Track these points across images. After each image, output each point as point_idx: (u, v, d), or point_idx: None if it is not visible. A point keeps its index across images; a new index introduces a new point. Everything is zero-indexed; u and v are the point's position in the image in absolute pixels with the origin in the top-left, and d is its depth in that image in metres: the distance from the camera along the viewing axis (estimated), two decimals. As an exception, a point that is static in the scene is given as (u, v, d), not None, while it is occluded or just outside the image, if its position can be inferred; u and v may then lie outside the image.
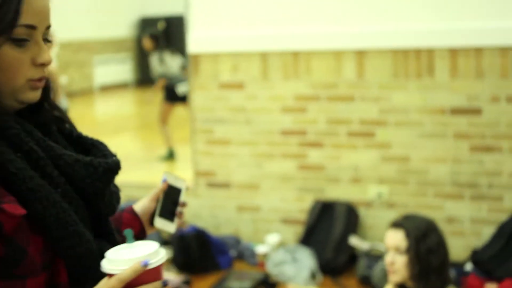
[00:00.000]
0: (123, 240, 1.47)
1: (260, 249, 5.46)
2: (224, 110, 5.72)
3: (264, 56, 5.59)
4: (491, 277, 4.71)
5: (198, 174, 5.81)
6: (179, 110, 9.21)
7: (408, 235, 3.21)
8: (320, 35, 5.43)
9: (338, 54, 5.39)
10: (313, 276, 5.03)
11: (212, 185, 5.76)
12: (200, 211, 5.80)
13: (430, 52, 5.16)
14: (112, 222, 1.57)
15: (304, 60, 5.48)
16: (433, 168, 5.19)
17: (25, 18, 1.38)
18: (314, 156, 5.48)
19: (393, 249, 3.22)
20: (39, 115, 1.49)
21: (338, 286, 4.95)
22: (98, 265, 1.40)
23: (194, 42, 5.75)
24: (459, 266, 4.92)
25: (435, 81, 5.16)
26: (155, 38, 8.96)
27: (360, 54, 5.33)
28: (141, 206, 1.86)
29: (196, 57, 5.77)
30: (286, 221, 5.62)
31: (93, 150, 1.52)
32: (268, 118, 5.59)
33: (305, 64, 5.48)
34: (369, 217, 5.36)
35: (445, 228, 5.02)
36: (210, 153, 5.76)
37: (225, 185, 5.75)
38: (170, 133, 8.60)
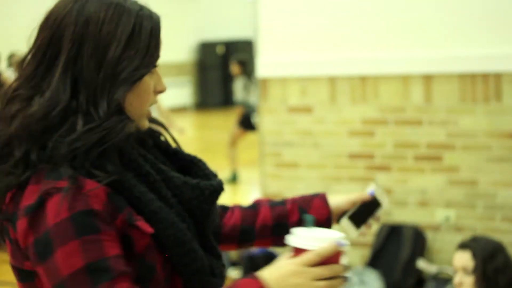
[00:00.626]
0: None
1: (328, 271, 5.51)
2: (292, 133, 5.81)
3: (332, 81, 5.68)
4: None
5: (267, 196, 5.92)
6: (247, 134, 9.37)
7: (475, 255, 3.26)
8: (387, 60, 5.50)
9: (405, 79, 5.46)
10: (380, 298, 5.08)
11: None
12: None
13: (497, 77, 5.19)
14: (301, 201, 1.72)
15: (372, 84, 5.55)
16: (501, 192, 5.20)
17: (159, 46, 1.52)
18: (382, 179, 5.53)
19: (461, 269, 3.27)
20: (138, 132, 1.56)
21: (406, 309, 4.99)
22: (210, 279, 1.51)
23: (263, 66, 5.88)
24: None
25: (502, 105, 5.18)
26: (242, 63, 9.19)
27: (428, 79, 5.39)
28: (336, 201, 1.99)
29: (265, 81, 5.89)
30: (354, 244, 5.68)
31: (193, 168, 1.61)
32: (335, 141, 5.67)
33: (372, 88, 5.55)
34: (436, 241, 5.37)
35: (514, 252, 5.04)
36: (278, 176, 5.85)
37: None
38: (237, 157, 8.74)
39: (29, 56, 1.48)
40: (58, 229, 1.35)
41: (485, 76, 5.22)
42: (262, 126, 5.92)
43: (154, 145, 1.62)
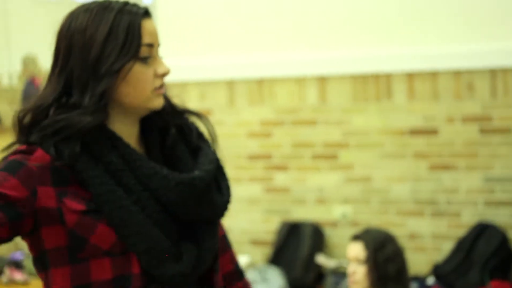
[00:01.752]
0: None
1: (231, 270, 5.63)
2: (193, 136, 5.90)
3: (230, 84, 5.81)
4: (452, 289, 4.95)
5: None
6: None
7: (366, 246, 3.42)
8: (282, 62, 5.66)
9: (300, 80, 5.63)
10: (282, 294, 5.22)
11: (182, 209, 5.95)
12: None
13: (388, 77, 5.41)
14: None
15: (268, 87, 5.71)
16: (394, 187, 5.42)
17: (145, 39, 1.68)
18: (280, 179, 5.69)
19: (354, 260, 3.43)
20: (158, 120, 1.77)
21: (306, 303, 5.15)
22: (165, 263, 1.65)
23: (162, 71, 5.95)
24: (421, 280, 5.15)
25: (393, 104, 5.40)
26: None
27: (322, 80, 5.57)
28: None
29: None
30: (255, 242, 5.82)
31: (199, 162, 1.78)
32: (235, 143, 5.79)
33: (269, 90, 5.71)
34: (334, 236, 5.56)
35: (407, 244, 5.26)
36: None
37: (195, 209, 5.94)
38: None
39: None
40: (2, 161, 1.67)
41: (376, 77, 5.44)
42: (163, 130, 6.00)
43: (179, 133, 1.81)
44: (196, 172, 1.72)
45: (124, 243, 1.62)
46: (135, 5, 1.72)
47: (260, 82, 5.72)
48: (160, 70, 1.71)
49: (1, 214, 1.55)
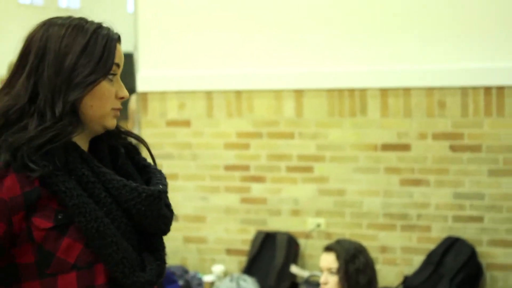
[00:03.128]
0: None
1: (207, 278, 5.75)
2: (171, 146, 6.03)
3: (209, 95, 5.93)
4: (420, 301, 5.10)
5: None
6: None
7: (338, 257, 3.56)
8: (261, 76, 5.79)
9: (278, 93, 5.76)
10: (256, 302, 5.35)
11: (159, 217, 6.04)
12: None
13: (362, 92, 5.56)
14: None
15: (247, 99, 5.84)
16: (367, 201, 5.57)
17: (116, 58, 1.79)
18: (256, 189, 5.83)
19: (326, 270, 3.58)
20: (110, 140, 1.88)
21: (279, 312, 5.27)
22: (134, 272, 1.75)
23: (143, 81, 6.07)
24: (392, 292, 5.31)
25: (367, 119, 5.55)
26: None
27: (299, 94, 5.71)
28: None
29: (145, 95, 6.08)
30: (231, 251, 5.94)
31: (153, 178, 1.90)
32: (212, 153, 5.92)
33: (247, 102, 5.84)
34: (308, 247, 5.69)
35: (378, 256, 5.43)
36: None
37: (172, 218, 6.04)
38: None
39: (12, 68, 1.80)
40: None
41: (351, 92, 5.59)
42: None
43: (127, 154, 1.92)
44: (160, 186, 1.87)
45: (91, 255, 1.73)
46: (109, 28, 1.84)
47: (238, 94, 5.85)
48: (121, 93, 1.83)
49: None
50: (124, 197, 1.77)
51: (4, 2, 10.61)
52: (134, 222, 1.81)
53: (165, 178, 1.94)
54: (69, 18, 1.81)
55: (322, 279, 3.58)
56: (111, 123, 1.82)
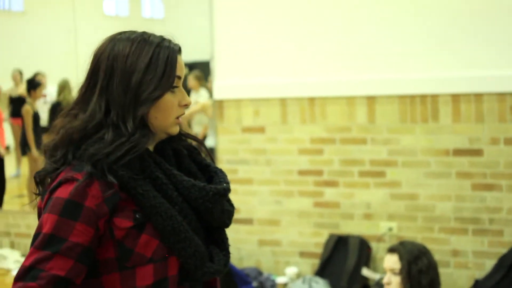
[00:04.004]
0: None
1: (280, 280, 5.89)
2: (247, 152, 6.20)
3: (283, 102, 6.08)
4: (492, 305, 5.12)
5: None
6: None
7: (401, 258, 3.64)
8: (334, 83, 5.91)
9: (350, 100, 5.87)
10: (328, 304, 5.46)
11: (236, 221, 6.21)
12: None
13: (434, 98, 5.61)
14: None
15: (320, 106, 5.96)
16: (439, 205, 5.62)
17: (177, 71, 1.95)
18: (329, 194, 5.94)
19: (389, 270, 3.66)
20: (173, 143, 2.06)
21: (351, 314, 5.37)
22: (205, 263, 1.92)
23: (219, 88, 6.26)
24: (462, 294, 5.34)
25: (439, 125, 5.60)
26: (199, 78, 9.52)
27: (371, 100, 5.80)
28: None
29: (221, 103, 6.27)
30: (304, 254, 6.07)
31: (215, 177, 2.06)
32: (286, 159, 6.06)
33: (320, 109, 5.96)
34: (380, 251, 5.77)
35: (450, 260, 5.47)
36: (234, 191, 6.20)
37: (248, 221, 6.22)
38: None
39: (81, 85, 1.98)
40: (55, 201, 1.82)
41: (423, 98, 5.65)
42: (219, 145, 6.30)
43: (189, 155, 2.10)
44: (224, 184, 2.02)
45: (165, 249, 1.90)
46: (170, 40, 1.99)
47: (312, 101, 5.98)
48: (184, 101, 1.98)
49: (81, 265, 1.82)
50: (194, 196, 1.93)
51: (90, 13, 10.93)
52: (202, 218, 1.98)
53: (226, 176, 2.10)
54: (134, 33, 1.96)
55: (385, 280, 3.67)
56: (175, 130, 1.99)
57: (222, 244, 2.05)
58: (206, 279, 1.97)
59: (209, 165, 2.11)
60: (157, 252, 1.89)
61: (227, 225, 2.08)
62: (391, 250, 3.74)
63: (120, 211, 1.86)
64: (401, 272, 3.61)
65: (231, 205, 2.10)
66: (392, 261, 3.68)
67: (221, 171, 2.10)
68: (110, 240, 1.86)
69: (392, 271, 3.65)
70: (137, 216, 1.87)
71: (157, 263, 1.89)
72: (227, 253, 2.04)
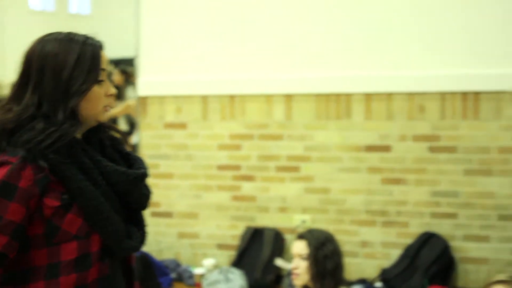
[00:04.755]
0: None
1: (198, 271, 6.08)
2: (168, 147, 6.37)
3: (204, 99, 6.27)
4: (396, 292, 5.42)
5: (144, 204, 6.40)
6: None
7: (309, 244, 3.86)
8: (253, 81, 6.13)
9: (269, 98, 6.10)
10: (243, 293, 5.66)
11: (156, 214, 6.39)
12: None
13: (348, 97, 5.89)
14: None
15: (239, 103, 6.17)
16: (350, 198, 5.89)
17: (102, 65, 2.17)
18: (247, 188, 6.16)
19: (297, 256, 3.88)
20: (98, 133, 2.26)
21: (265, 302, 5.59)
22: (124, 240, 2.13)
23: (143, 85, 6.42)
24: (369, 283, 5.61)
25: (352, 122, 5.88)
26: (125, 73, 9.59)
27: (288, 98, 6.04)
28: None
29: (145, 99, 6.43)
30: (221, 246, 6.27)
31: (135, 164, 2.27)
32: (206, 154, 6.26)
33: (240, 106, 6.17)
34: (293, 242, 5.99)
35: (359, 251, 5.74)
36: (155, 185, 6.36)
37: (168, 214, 6.39)
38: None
39: (15, 82, 2.17)
40: None
41: (337, 96, 5.91)
42: (141, 140, 6.46)
43: (111, 145, 2.30)
44: (143, 170, 2.24)
45: (89, 227, 2.09)
46: (94, 38, 2.21)
47: (232, 98, 6.19)
48: (110, 92, 2.20)
49: (15, 242, 2.01)
50: (116, 179, 2.14)
51: (16, 8, 10.91)
52: (122, 200, 2.18)
53: (144, 163, 2.31)
54: (60, 34, 2.18)
55: (293, 265, 3.88)
56: (104, 117, 2.20)
57: (140, 224, 2.27)
58: (125, 254, 2.20)
59: (129, 153, 2.32)
60: (81, 229, 2.08)
61: (145, 208, 2.29)
62: (300, 236, 3.96)
63: (50, 192, 2.04)
64: (308, 257, 3.82)
65: (148, 190, 2.31)
66: (300, 247, 3.89)
67: (140, 158, 2.32)
68: (40, 218, 2.04)
69: (300, 256, 3.85)
70: (64, 197, 2.05)
71: (80, 240, 2.08)
72: (143, 232, 2.26)
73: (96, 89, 2.14)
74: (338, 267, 3.87)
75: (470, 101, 5.63)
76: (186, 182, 6.33)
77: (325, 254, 3.87)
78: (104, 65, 2.18)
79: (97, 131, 2.25)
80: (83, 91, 2.10)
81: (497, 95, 5.57)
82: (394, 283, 5.50)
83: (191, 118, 6.32)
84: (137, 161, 2.29)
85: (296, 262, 3.89)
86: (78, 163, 2.09)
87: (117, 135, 2.36)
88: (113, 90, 2.21)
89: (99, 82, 2.14)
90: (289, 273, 5.58)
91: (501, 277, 2.75)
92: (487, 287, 2.77)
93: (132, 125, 8.98)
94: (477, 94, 5.63)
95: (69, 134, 2.06)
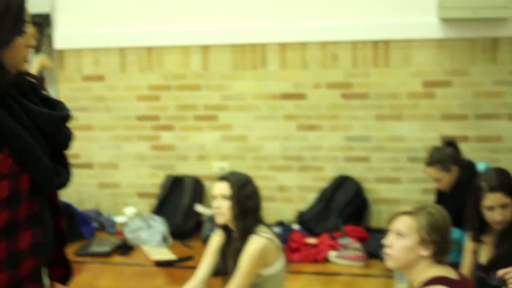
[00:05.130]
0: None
1: (119, 219, 6.19)
2: (87, 99, 6.43)
3: (122, 51, 6.34)
4: (312, 233, 5.65)
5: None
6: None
7: (231, 185, 4.02)
8: (170, 33, 6.23)
9: (186, 49, 6.21)
10: (164, 239, 5.79)
11: (76, 165, 6.43)
12: (66, 189, 6.46)
13: (263, 47, 6.05)
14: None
15: (157, 55, 6.27)
16: (267, 145, 6.09)
17: (25, 17, 2.23)
18: (166, 137, 6.29)
19: (220, 196, 4.03)
20: (18, 79, 2.32)
21: (186, 247, 5.72)
22: (52, 177, 2.22)
23: (60, 39, 6.43)
24: (287, 225, 5.84)
25: (267, 71, 6.05)
26: (38, 24, 9.46)
27: (205, 49, 6.16)
28: None
29: (62, 53, 6.45)
30: (142, 194, 6.40)
31: (57, 107, 2.35)
32: (125, 105, 6.35)
33: (157, 58, 6.27)
34: (212, 189, 6.15)
35: (276, 195, 5.96)
36: (74, 137, 6.41)
37: (88, 165, 6.47)
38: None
39: None
40: None
41: (253, 46, 6.07)
42: (59, 93, 6.49)
43: (31, 88, 2.36)
44: (66, 111, 2.36)
45: (18, 167, 2.19)
46: None
47: (149, 50, 6.28)
48: (30, 43, 2.29)
49: None
50: (41, 121, 2.22)
51: None
52: (48, 140, 2.28)
53: (66, 106, 2.42)
54: None
55: (215, 204, 4.02)
56: (23, 67, 2.29)
57: (65, 163, 2.37)
58: (54, 190, 2.31)
59: (49, 98, 2.43)
60: (11, 169, 2.16)
61: (67, 147, 2.40)
62: (222, 178, 4.10)
63: None
64: (231, 197, 3.97)
65: (70, 131, 2.42)
66: (222, 188, 4.04)
67: (61, 102, 2.43)
68: None
69: (222, 196, 4.01)
70: None
71: (11, 179, 2.16)
72: (69, 170, 2.37)
73: (19, 40, 2.22)
74: (258, 207, 4.04)
75: (381, 49, 5.86)
76: (106, 133, 6.41)
77: (247, 194, 4.02)
78: (27, 18, 2.27)
79: (18, 78, 2.35)
80: (8, 42, 2.18)
81: (406, 43, 5.81)
82: (311, 225, 5.74)
83: (109, 70, 6.38)
84: (58, 105, 2.39)
85: (219, 202, 4.02)
86: (5, 106, 2.18)
87: (34, 81, 2.45)
88: (33, 42, 2.29)
89: (22, 33, 2.23)
90: (210, 218, 5.76)
91: (406, 209, 2.93)
92: (393, 219, 2.94)
93: (41, 80, 8.89)
94: (387, 42, 5.86)
95: (3, 84, 2.15)
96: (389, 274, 4.68)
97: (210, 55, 6.17)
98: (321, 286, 4.80)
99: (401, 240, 2.80)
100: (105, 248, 5.60)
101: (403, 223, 2.81)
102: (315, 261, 5.26)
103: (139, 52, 6.31)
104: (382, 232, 3.14)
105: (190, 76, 6.23)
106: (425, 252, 2.76)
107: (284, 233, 5.58)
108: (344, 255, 5.22)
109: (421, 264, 2.78)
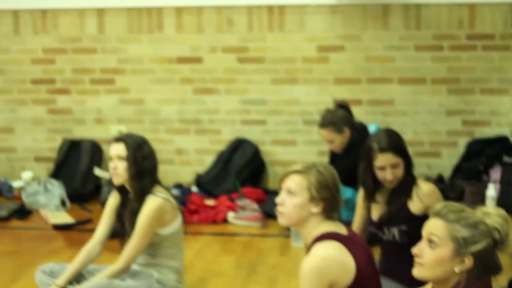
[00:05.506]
0: None
1: (16, 184, 6.13)
2: (-20, 63, 6.33)
3: (15, 14, 6.24)
4: (210, 195, 5.74)
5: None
6: None
7: (128, 146, 4.04)
8: (65, -4, 6.18)
9: (81, 12, 6.16)
10: (63, 203, 5.79)
11: (-31, 130, 6.37)
12: (-41, 155, 6.39)
13: (159, 10, 6.06)
14: None
15: (52, 18, 6.20)
16: (164, 109, 6.14)
17: None
18: (62, 101, 6.25)
19: (116, 157, 4.05)
20: None
21: (85, 210, 5.74)
22: None
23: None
24: (185, 188, 5.92)
25: (164, 35, 6.07)
26: None
27: (101, 12, 6.13)
28: None
29: (-48, 15, 6.31)
30: (38, 158, 6.36)
31: None
32: (20, 69, 6.27)
33: (52, 21, 6.20)
34: (111, 145, 6.16)
35: (175, 158, 6.01)
36: (-33, 101, 6.34)
37: (-18, 130, 6.41)
38: None
39: None
40: None
41: (149, 10, 6.07)
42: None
43: None
44: None
45: None
46: None
47: (44, 13, 6.20)
48: None
49: None
50: None
51: None
52: None
53: None
54: None
55: (112, 165, 4.05)
56: None
57: None
58: None
59: None
60: None
61: None
62: (118, 139, 4.12)
63: None
64: (127, 158, 4.00)
65: None
66: (119, 149, 4.05)
67: None
68: None
69: (119, 157, 4.03)
70: None
71: None
72: None
73: None
74: (154, 168, 4.08)
75: (276, 14, 5.96)
76: (0, 97, 6.32)
77: (143, 155, 4.04)
78: None
79: None
80: None
81: (301, 8, 5.93)
82: (209, 187, 5.83)
83: (2, 33, 6.28)
84: None
85: (115, 163, 4.04)
86: None
87: None
88: None
89: None
90: (109, 182, 5.78)
91: (297, 167, 3.01)
92: (284, 178, 3.02)
93: None
94: (281, 7, 5.96)
95: None
96: (286, 233, 4.83)
97: (105, 18, 6.14)
98: (220, 246, 4.90)
99: (292, 198, 2.89)
100: (2, 213, 5.55)
101: (293, 181, 2.90)
102: (214, 222, 5.36)
103: (33, 15, 6.23)
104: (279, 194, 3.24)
105: (86, 40, 6.19)
106: (315, 209, 2.86)
107: (183, 195, 5.66)
108: (242, 216, 5.33)
109: (312, 221, 2.88)
